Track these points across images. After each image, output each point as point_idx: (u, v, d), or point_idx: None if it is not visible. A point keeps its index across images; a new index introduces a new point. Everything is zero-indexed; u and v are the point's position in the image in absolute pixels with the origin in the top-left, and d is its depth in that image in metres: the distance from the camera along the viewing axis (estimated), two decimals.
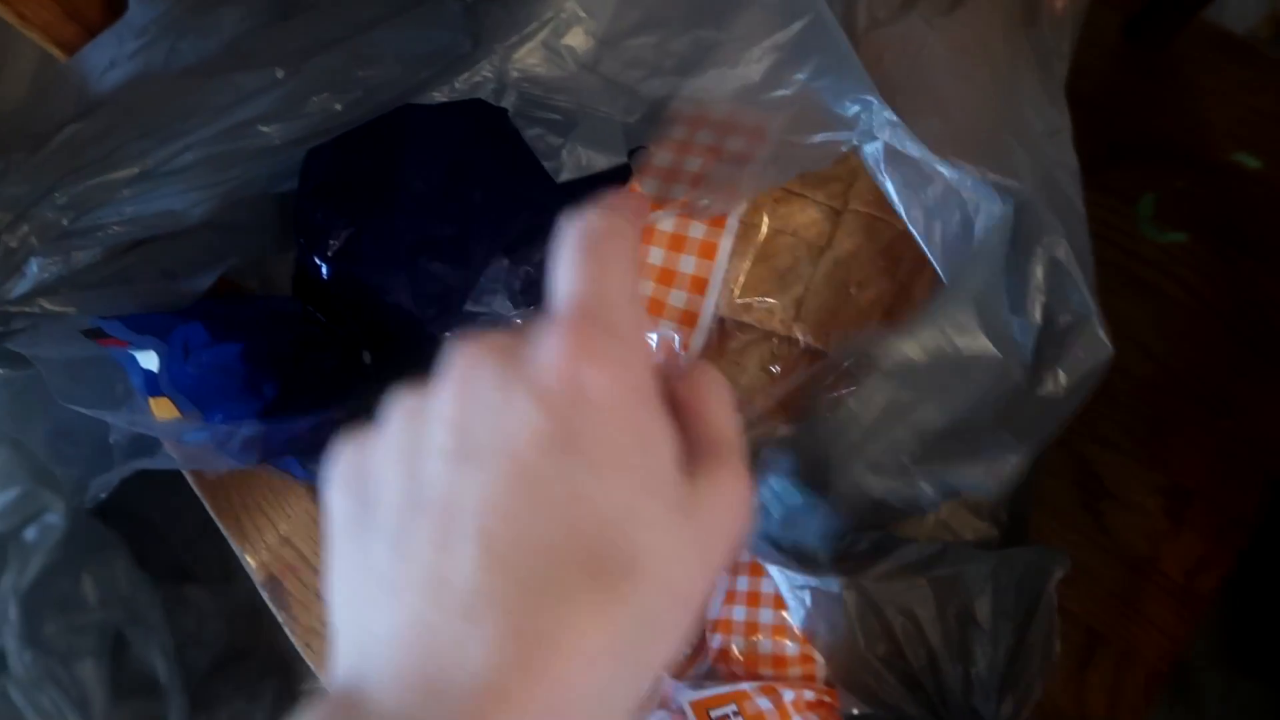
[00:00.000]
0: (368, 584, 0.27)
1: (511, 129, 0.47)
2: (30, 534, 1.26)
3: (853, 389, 0.43)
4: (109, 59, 0.47)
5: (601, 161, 0.48)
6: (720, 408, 0.30)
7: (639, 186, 0.47)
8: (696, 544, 0.28)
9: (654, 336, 0.45)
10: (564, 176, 0.48)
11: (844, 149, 0.43)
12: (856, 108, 0.42)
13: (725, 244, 0.44)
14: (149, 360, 0.47)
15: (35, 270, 0.42)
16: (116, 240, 0.40)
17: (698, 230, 0.45)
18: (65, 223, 0.38)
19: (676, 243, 0.45)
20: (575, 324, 0.28)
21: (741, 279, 0.44)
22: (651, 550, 0.26)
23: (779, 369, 0.44)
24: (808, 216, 0.45)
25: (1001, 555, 0.42)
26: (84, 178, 0.38)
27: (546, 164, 0.48)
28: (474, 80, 0.46)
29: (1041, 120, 0.42)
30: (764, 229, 0.44)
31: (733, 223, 0.45)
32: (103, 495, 1.12)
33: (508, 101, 0.47)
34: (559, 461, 0.26)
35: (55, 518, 1.24)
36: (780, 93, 0.45)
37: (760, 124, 0.45)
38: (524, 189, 0.50)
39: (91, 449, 1.15)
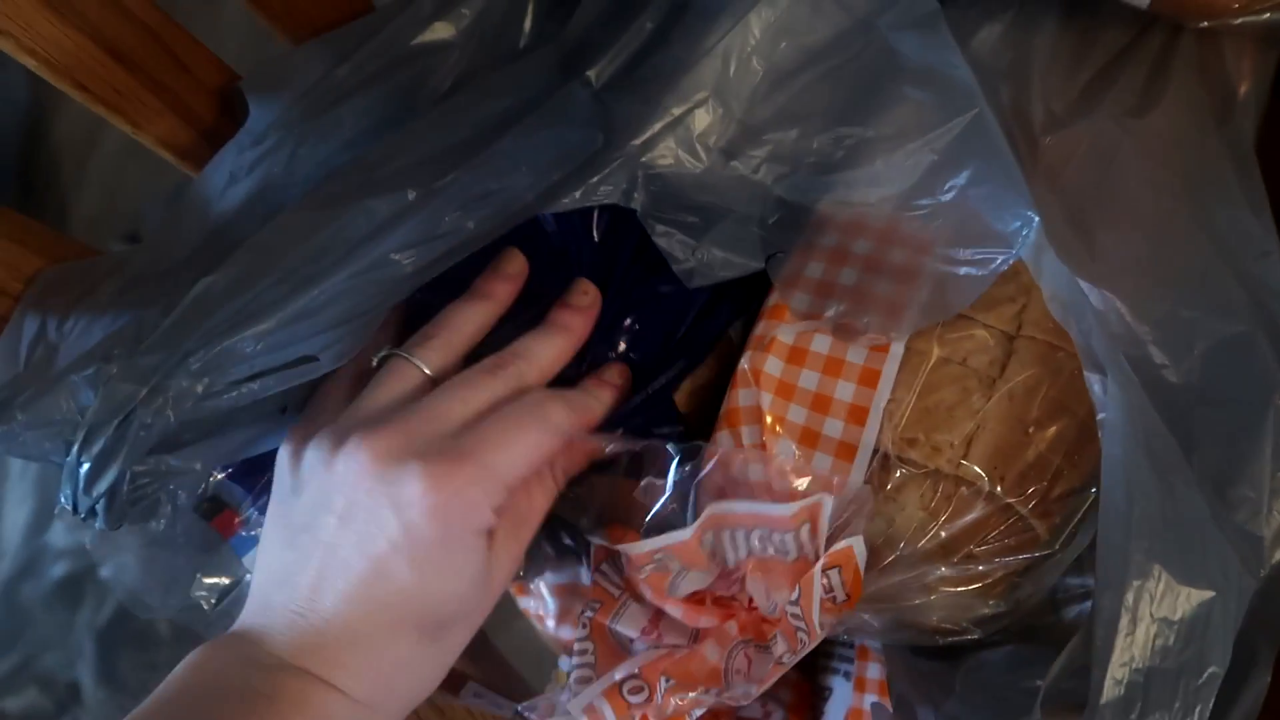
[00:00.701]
0: (275, 564, 0.41)
1: (641, 232, 0.45)
2: (106, 572, 1.27)
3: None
4: (228, 173, 0.45)
5: (736, 266, 0.45)
6: (541, 500, 0.45)
7: (787, 301, 0.44)
8: (490, 596, 0.43)
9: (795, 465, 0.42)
10: (696, 282, 0.45)
11: (1001, 268, 0.40)
12: (1017, 223, 0.39)
13: (889, 371, 0.41)
14: None
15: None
16: (250, 399, 0.39)
17: (857, 355, 0.42)
18: (199, 390, 0.37)
19: (833, 367, 0.42)
20: (461, 466, 0.40)
21: (906, 412, 0.41)
22: (462, 614, 0.42)
23: (941, 509, 0.40)
24: (977, 343, 0.41)
25: None
26: (219, 337, 0.37)
27: (676, 268, 0.45)
28: (605, 185, 0.43)
29: (1249, 241, 0.39)
30: (932, 357, 0.41)
31: (897, 349, 0.41)
32: None
33: (637, 201, 0.45)
34: (414, 558, 0.39)
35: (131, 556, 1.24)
36: (933, 200, 0.42)
37: (923, 235, 0.42)
38: (656, 298, 0.47)
39: None
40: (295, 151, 0.45)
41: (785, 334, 0.44)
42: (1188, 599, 0.32)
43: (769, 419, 0.43)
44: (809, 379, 0.43)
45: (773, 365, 0.43)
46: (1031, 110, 0.44)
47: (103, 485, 0.39)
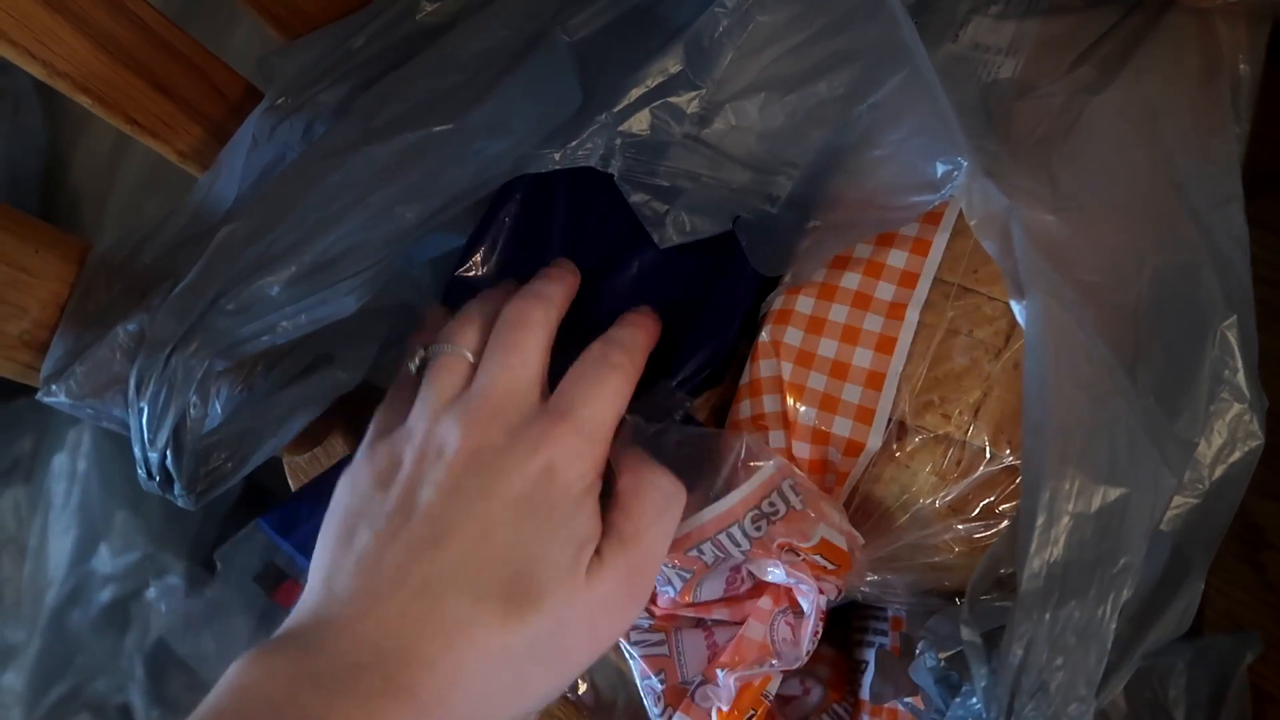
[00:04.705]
0: (345, 557, 0.40)
1: (619, 196, 0.49)
2: (151, 594, 1.33)
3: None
4: (251, 136, 0.51)
5: (707, 228, 0.50)
6: (644, 509, 0.42)
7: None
8: (589, 608, 0.40)
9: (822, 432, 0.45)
10: (667, 242, 0.49)
11: (926, 208, 0.44)
12: (948, 168, 0.42)
13: (905, 339, 0.45)
14: None
15: (218, 409, 0.48)
16: (285, 338, 0.43)
17: (874, 323, 0.46)
18: (238, 329, 0.41)
19: (851, 335, 0.46)
20: (559, 424, 0.42)
21: (920, 380, 0.45)
22: (557, 596, 0.39)
23: (951, 472, 0.44)
24: (984, 315, 0.45)
25: (1197, 646, 0.42)
26: (244, 280, 0.41)
27: (651, 231, 0.49)
28: (584, 148, 0.48)
29: (1213, 187, 0.42)
30: (941, 329, 0.45)
31: (913, 316, 0.45)
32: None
33: (614, 166, 0.49)
34: (519, 515, 0.40)
35: (175, 579, 1.30)
36: (876, 154, 0.47)
37: (864, 190, 0.45)
38: (634, 264, 0.51)
39: (208, 510, 1.21)
40: (314, 114, 0.50)
41: (804, 305, 0.48)
42: (1103, 496, 0.36)
43: (789, 389, 0.47)
44: (828, 347, 0.46)
45: (792, 336, 0.47)
46: (1019, 81, 0.48)
47: (164, 434, 0.43)
